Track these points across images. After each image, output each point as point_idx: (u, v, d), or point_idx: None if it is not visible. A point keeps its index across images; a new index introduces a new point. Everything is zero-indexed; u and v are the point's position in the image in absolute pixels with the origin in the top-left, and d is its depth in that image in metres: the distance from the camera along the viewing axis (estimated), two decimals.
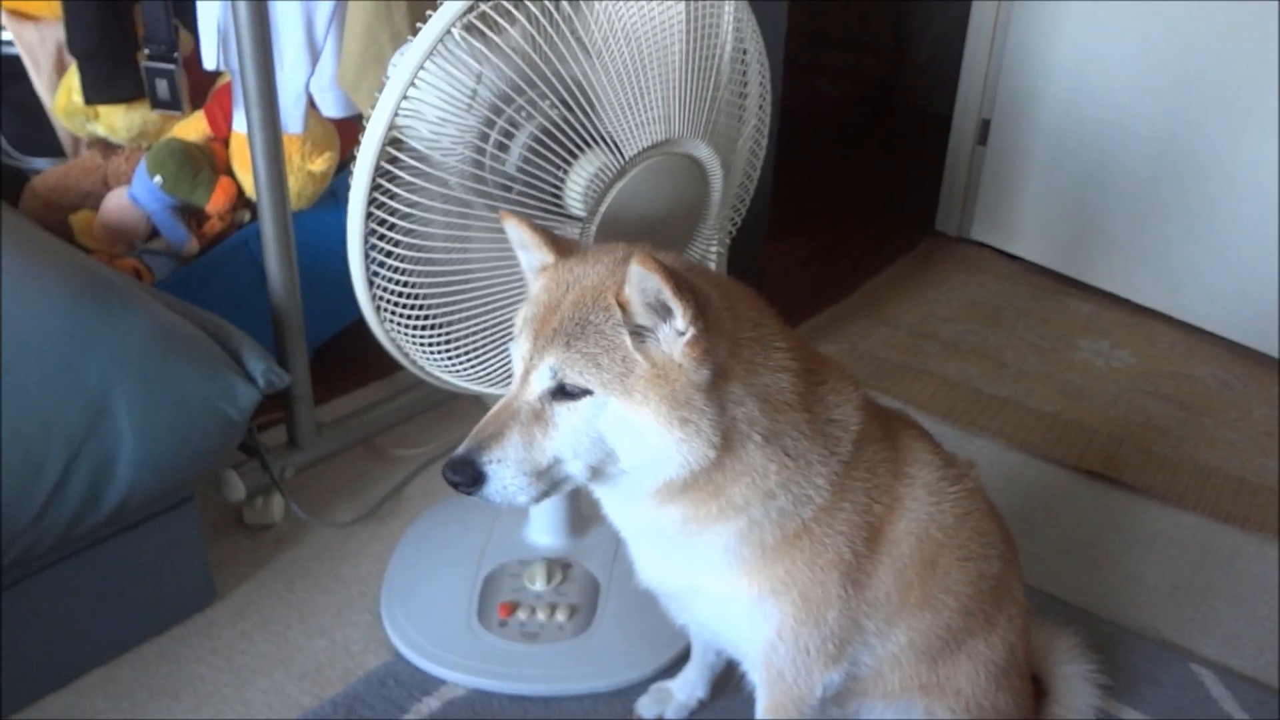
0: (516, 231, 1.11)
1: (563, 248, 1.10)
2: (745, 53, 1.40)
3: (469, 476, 1.03)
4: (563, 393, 1.02)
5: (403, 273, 1.29)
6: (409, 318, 1.33)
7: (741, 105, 1.43)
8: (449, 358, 1.39)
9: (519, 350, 1.05)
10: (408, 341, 1.37)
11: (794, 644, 1.14)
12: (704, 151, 1.34)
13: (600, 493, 1.16)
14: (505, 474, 1.03)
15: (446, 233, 1.28)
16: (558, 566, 1.66)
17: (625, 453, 1.03)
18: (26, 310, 1.42)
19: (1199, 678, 1.59)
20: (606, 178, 1.27)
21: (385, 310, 1.33)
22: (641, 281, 0.97)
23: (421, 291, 1.31)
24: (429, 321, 1.34)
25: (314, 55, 1.83)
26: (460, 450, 1.04)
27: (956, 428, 2.19)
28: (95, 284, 1.51)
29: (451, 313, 1.34)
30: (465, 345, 1.37)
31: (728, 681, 1.51)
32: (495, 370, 1.41)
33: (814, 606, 1.13)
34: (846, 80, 4.03)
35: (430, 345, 1.37)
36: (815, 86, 3.83)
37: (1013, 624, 1.28)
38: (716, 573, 1.14)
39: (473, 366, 1.40)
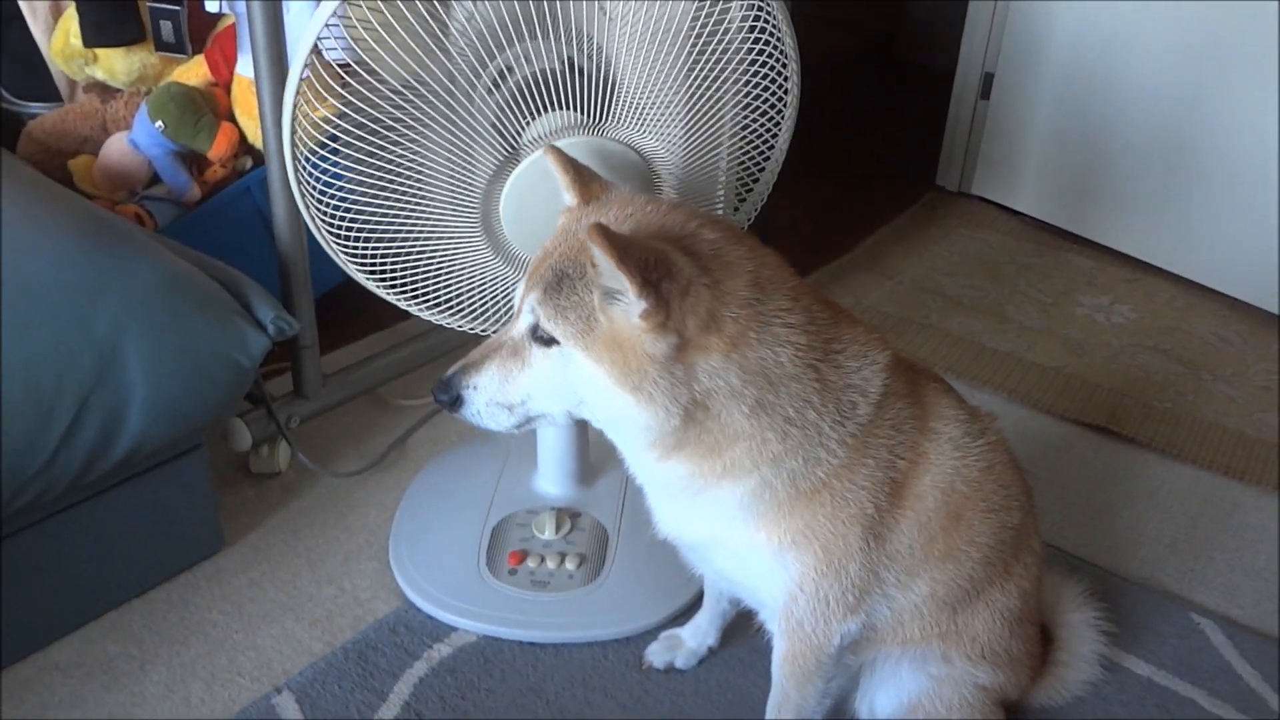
0: (554, 168, 1.14)
1: (587, 193, 1.11)
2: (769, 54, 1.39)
3: (450, 397, 1.11)
4: (539, 334, 1.06)
5: (329, 187, 1.34)
6: (337, 231, 1.38)
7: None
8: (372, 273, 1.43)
9: (520, 288, 1.10)
10: (343, 255, 1.41)
11: (814, 595, 1.15)
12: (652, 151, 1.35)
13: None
14: (479, 400, 1.10)
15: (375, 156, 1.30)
16: (566, 515, 1.66)
17: (591, 404, 1.07)
18: (34, 256, 1.41)
19: (1200, 627, 1.62)
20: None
21: (319, 221, 1.37)
22: (600, 258, 0.97)
23: (348, 208, 1.35)
24: (354, 234, 1.38)
25: None
26: (448, 371, 1.12)
27: (960, 382, 2.19)
28: (103, 230, 1.49)
29: (376, 230, 1.38)
30: (394, 264, 1.41)
31: (738, 629, 1.53)
32: (426, 289, 1.44)
33: (835, 558, 1.14)
34: (846, 34, 4.00)
35: (359, 259, 1.41)
36: (814, 40, 3.79)
37: (1028, 571, 1.29)
38: (734, 525, 1.14)
39: (397, 283, 1.43)
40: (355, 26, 1.25)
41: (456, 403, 1.11)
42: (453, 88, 1.28)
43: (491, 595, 1.57)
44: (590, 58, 1.34)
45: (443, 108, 1.28)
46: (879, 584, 1.17)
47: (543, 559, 1.61)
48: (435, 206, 1.35)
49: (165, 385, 1.43)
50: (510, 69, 1.33)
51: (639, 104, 1.34)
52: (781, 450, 1.08)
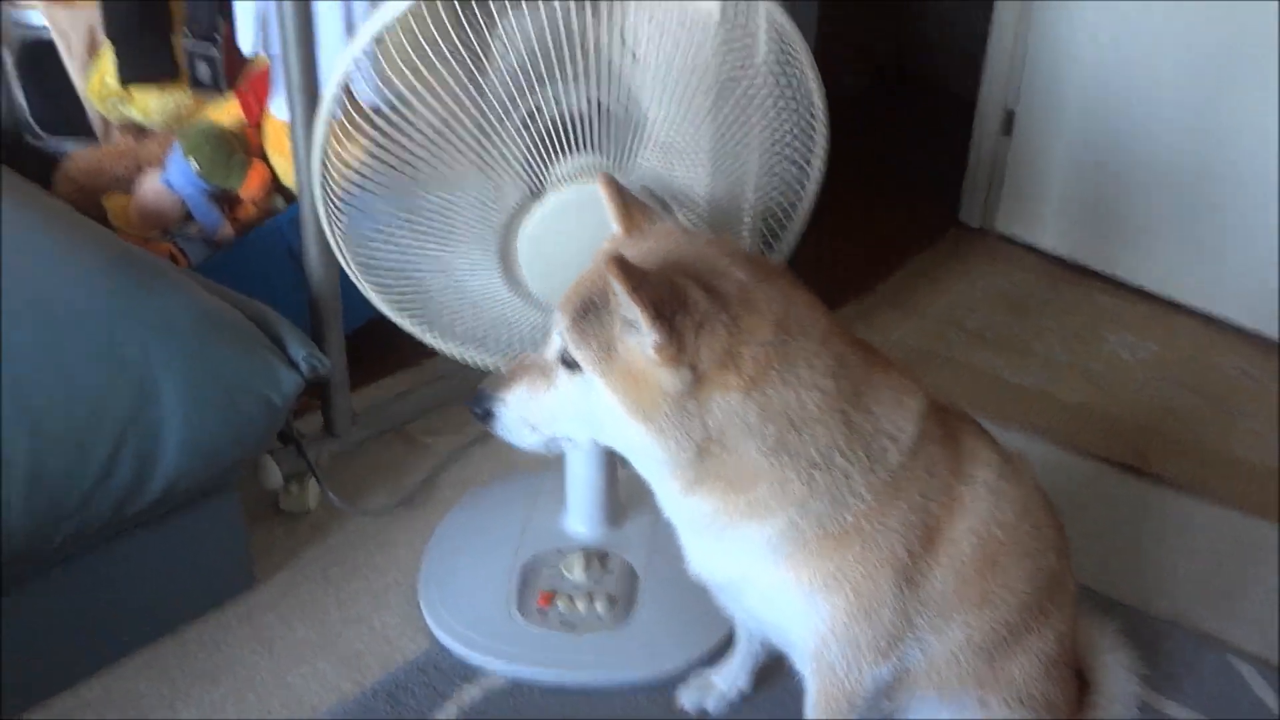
0: (603, 196, 1.16)
1: (631, 224, 1.13)
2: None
3: (482, 410, 1.14)
4: (567, 360, 1.08)
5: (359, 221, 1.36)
6: (365, 263, 1.41)
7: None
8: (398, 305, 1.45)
9: (555, 311, 1.11)
10: (370, 287, 1.44)
11: (846, 638, 1.15)
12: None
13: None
14: (507, 416, 1.14)
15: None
16: (595, 556, 1.66)
17: (609, 432, 1.09)
18: (73, 292, 1.43)
19: (1237, 670, 1.60)
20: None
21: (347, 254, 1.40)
22: (619, 289, 0.98)
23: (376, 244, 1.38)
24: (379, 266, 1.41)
25: None
26: (483, 384, 1.16)
27: (984, 417, 2.16)
28: (141, 267, 1.51)
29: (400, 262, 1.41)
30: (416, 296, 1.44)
31: (770, 672, 1.52)
32: (445, 322, 1.46)
33: (867, 602, 1.13)
34: (858, 57, 3.99)
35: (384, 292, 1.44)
36: (827, 67, 3.81)
37: (1064, 614, 1.28)
38: (763, 565, 1.14)
39: (419, 315, 1.46)
40: (386, 69, 1.27)
41: (487, 416, 1.14)
42: (485, 127, 1.30)
43: (521, 636, 1.57)
44: (619, 100, 1.36)
45: (474, 145, 1.29)
46: (912, 629, 1.17)
47: (572, 600, 1.61)
48: (456, 242, 1.37)
49: (200, 422, 1.44)
50: (540, 109, 1.34)
51: (665, 144, 1.35)
52: (806, 492, 1.08)
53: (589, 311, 1.05)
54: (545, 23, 1.23)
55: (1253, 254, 2.49)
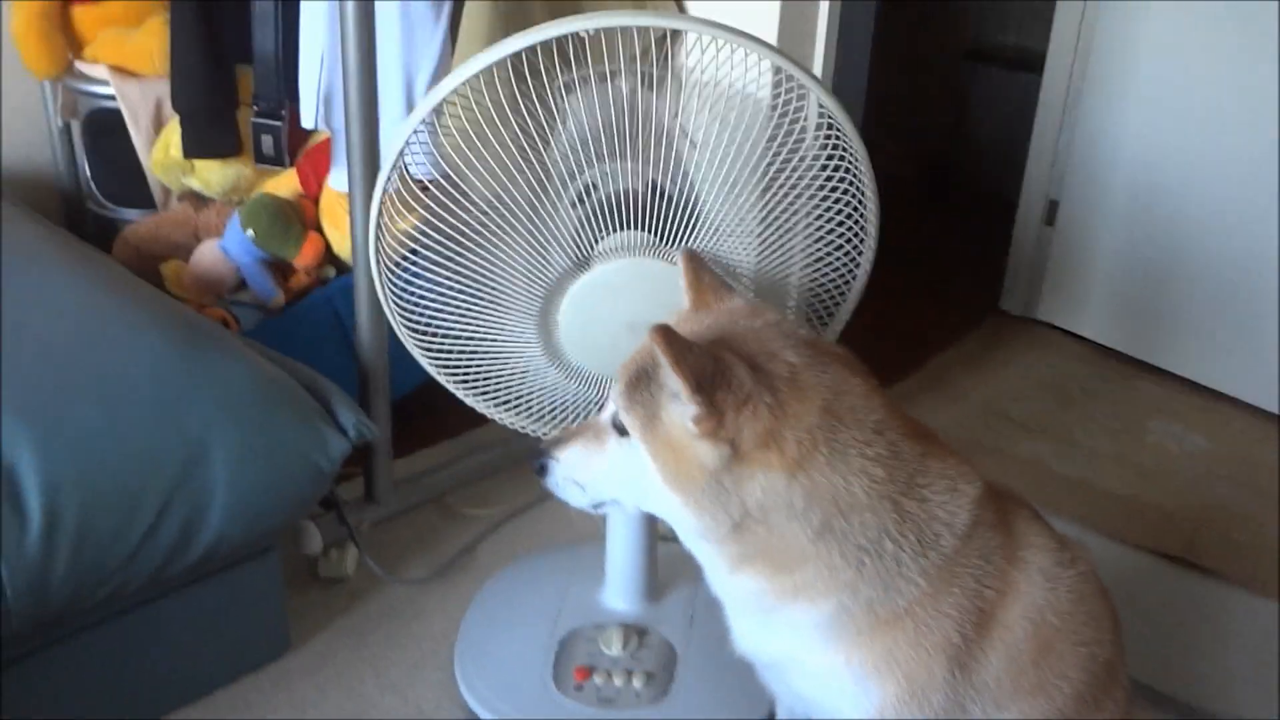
0: (682, 269, 1.19)
1: (700, 301, 1.16)
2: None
3: (538, 465, 1.17)
4: (618, 425, 1.09)
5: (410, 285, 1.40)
6: (415, 327, 1.43)
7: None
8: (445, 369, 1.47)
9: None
10: (418, 349, 1.46)
11: None
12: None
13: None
14: (559, 472, 1.16)
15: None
16: (633, 632, 1.64)
17: (650, 499, 1.09)
18: (131, 352, 1.46)
19: None
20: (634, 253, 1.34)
21: (399, 318, 1.43)
22: (663, 360, 1.00)
23: (425, 307, 1.41)
24: (428, 329, 1.43)
25: None
26: (545, 440, 1.20)
27: None
28: (198, 332, 1.54)
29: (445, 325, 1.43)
30: (461, 359, 1.46)
31: None
32: (489, 388, 1.48)
33: (918, 688, 1.11)
34: (904, 160, 4.06)
35: (432, 355, 1.46)
36: (873, 165, 3.87)
37: (1118, 708, 1.25)
38: (812, 647, 1.12)
39: (467, 380, 1.47)
40: (444, 143, 1.30)
41: (542, 470, 1.17)
42: (537, 203, 1.33)
43: (558, 711, 1.54)
44: (673, 181, 1.38)
45: (526, 220, 1.32)
46: (964, 716, 1.14)
47: (610, 675, 1.58)
48: (499, 308, 1.39)
49: (248, 486, 1.45)
50: (595, 185, 1.37)
51: (715, 225, 1.37)
52: (856, 577, 1.07)
53: (641, 380, 1.06)
54: (610, 100, 1.26)
55: None
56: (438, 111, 1.28)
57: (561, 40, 1.25)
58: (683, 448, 1.03)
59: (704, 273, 1.19)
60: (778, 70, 1.31)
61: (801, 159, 1.38)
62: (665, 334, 0.99)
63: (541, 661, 1.61)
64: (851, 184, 1.41)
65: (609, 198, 1.36)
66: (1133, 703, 1.44)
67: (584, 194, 1.37)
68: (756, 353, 1.06)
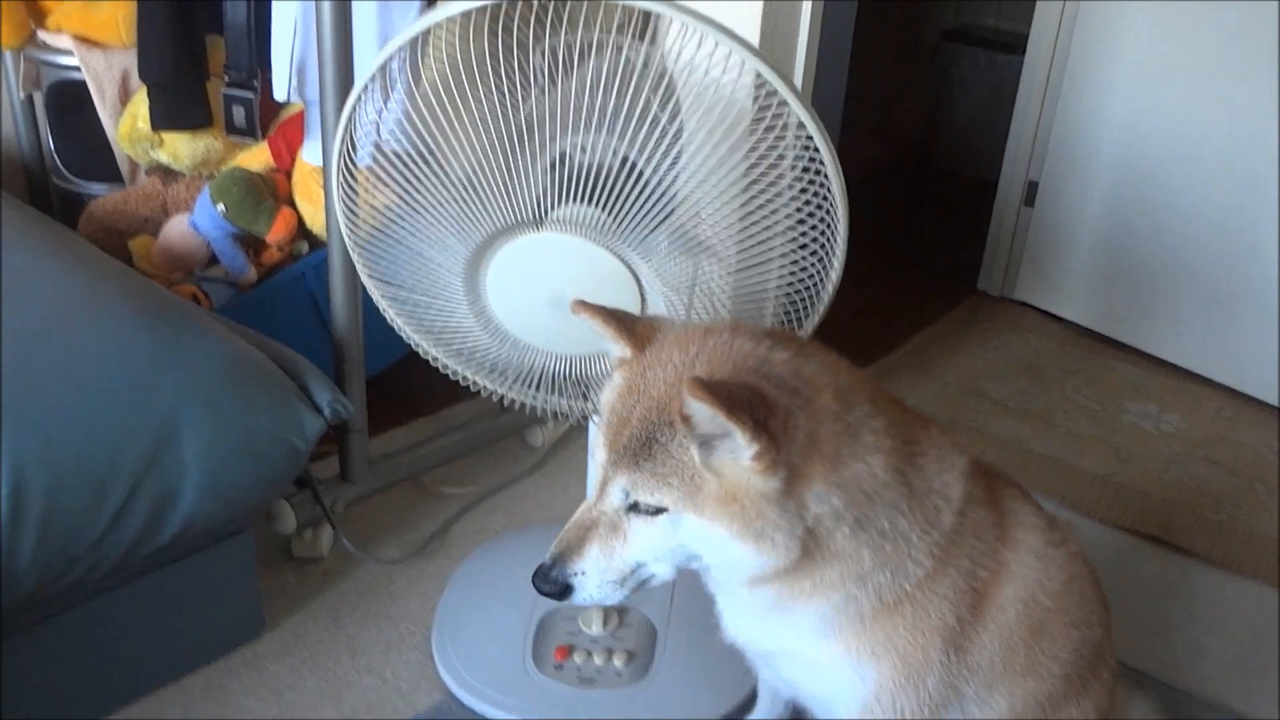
0: (593, 323, 1.08)
1: (640, 337, 1.06)
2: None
3: (557, 588, 1.05)
4: (638, 507, 1.00)
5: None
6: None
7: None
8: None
9: (597, 458, 1.04)
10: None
11: (890, 707, 1.11)
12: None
13: None
14: (590, 584, 1.04)
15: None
16: (614, 611, 1.62)
17: (705, 555, 1.02)
18: (99, 330, 1.42)
19: None
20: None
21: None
22: (698, 409, 0.93)
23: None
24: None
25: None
26: (547, 561, 1.05)
27: None
28: (167, 308, 1.50)
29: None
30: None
31: None
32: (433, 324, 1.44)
33: (914, 670, 1.10)
34: (884, 141, 4.06)
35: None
36: (852, 148, 3.86)
37: (1104, 687, 1.25)
38: (811, 639, 1.10)
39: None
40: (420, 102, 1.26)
41: (566, 592, 1.05)
42: (512, 160, 1.28)
43: (537, 690, 1.53)
44: (649, 159, 1.35)
45: (500, 178, 1.28)
46: (957, 697, 1.13)
47: (590, 655, 1.57)
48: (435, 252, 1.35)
49: (220, 467, 1.42)
50: (568, 155, 1.33)
51: (690, 234, 1.33)
52: (872, 565, 1.04)
53: (655, 450, 0.98)
54: (590, 71, 1.23)
55: (1275, 328, 2.48)
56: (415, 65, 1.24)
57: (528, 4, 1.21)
58: (743, 493, 0.96)
59: (619, 314, 1.09)
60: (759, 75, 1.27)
61: (781, 156, 1.35)
62: (708, 386, 0.91)
63: (520, 641, 1.59)
64: (820, 186, 1.37)
65: (580, 168, 1.32)
66: (1117, 682, 1.45)
67: (557, 162, 1.33)
68: (755, 366, 1.01)
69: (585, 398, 1.46)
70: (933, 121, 3.99)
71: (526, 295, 1.34)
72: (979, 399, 2.51)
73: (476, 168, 1.26)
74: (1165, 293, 2.67)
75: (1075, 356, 2.74)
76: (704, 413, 0.93)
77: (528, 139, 1.26)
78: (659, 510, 0.99)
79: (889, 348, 2.70)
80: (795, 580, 1.04)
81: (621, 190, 1.27)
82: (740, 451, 0.94)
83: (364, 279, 1.45)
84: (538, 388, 1.45)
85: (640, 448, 0.98)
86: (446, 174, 1.28)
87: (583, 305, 1.09)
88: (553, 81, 1.23)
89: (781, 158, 1.31)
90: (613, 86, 1.23)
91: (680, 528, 0.99)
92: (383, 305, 1.45)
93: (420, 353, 1.46)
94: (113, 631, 1.48)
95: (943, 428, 1.14)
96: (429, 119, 1.25)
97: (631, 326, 1.07)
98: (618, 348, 1.07)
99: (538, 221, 1.31)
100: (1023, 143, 2.88)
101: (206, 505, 1.42)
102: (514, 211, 1.29)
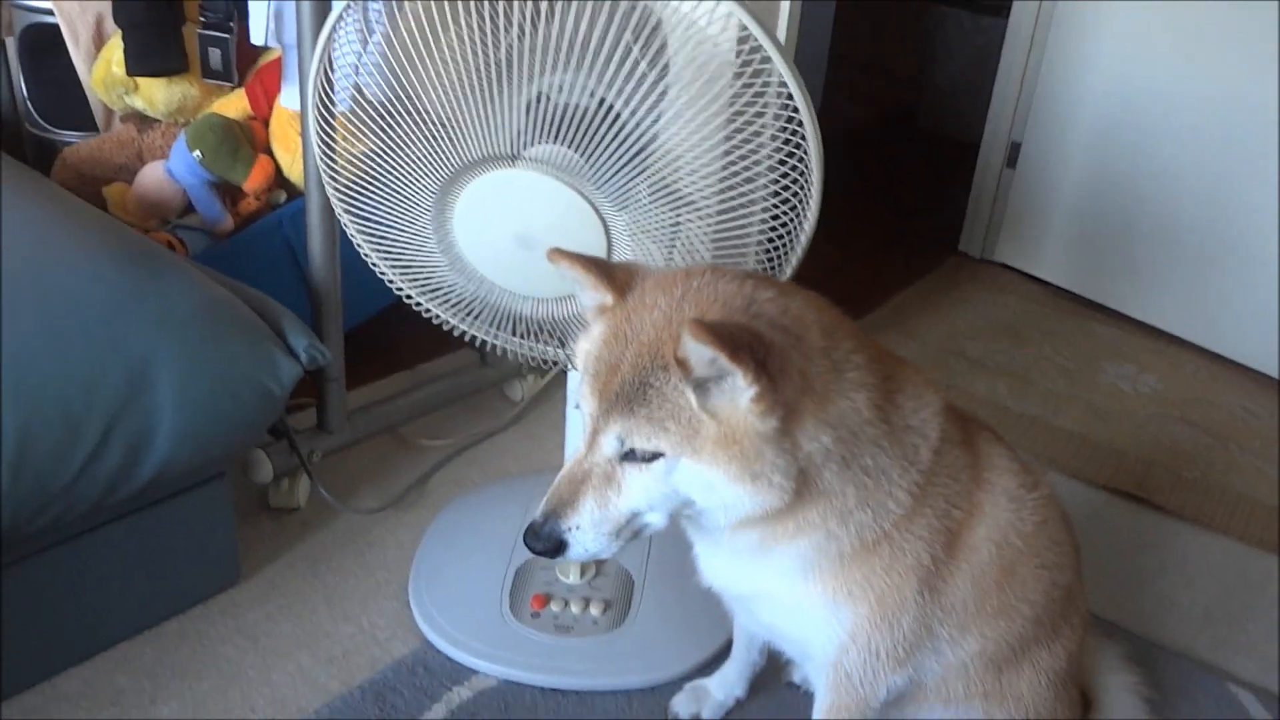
0: (571, 271, 1.06)
1: (620, 283, 1.04)
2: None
3: (551, 544, 1.02)
4: (633, 455, 0.99)
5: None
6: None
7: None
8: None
9: (585, 408, 1.02)
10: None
11: (865, 647, 1.12)
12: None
13: None
14: (585, 538, 1.02)
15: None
16: (591, 561, 1.63)
17: (700, 500, 1.01)
18: (72, 274, 1.40)
19: (1238, 699, 1.58)
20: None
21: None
22: (696, 351, 0.92)
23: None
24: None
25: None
26: (538, 517, 1.03)
27: None
28: (141, 252, 1.48)
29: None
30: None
31: (765, 681, 1.49)
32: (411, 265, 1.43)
33: (889, 610, 1.10)
34: (867, 102, 4.04)
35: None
36: (837, 109, 3.85)
37: (1074, 633, 1.26)
38: (790, 581, 1.11)
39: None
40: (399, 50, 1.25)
41: (560, 548, 1.03)
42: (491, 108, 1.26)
43: (513, 638, 1.54)
44: (628, 103, 1.33)
45: (477, 114, 1.26)
46: (930, 637, 1.14)
47: (567, 603, 1.57)
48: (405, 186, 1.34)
49: (195, 410, 1.41)
50: (546, 95, 1.31)
51: (675, 155, 1.32)
52: (856, 503, 1.05)
53: (649, 396, 0.96)
54: (573, 12, 1.21)
55: (1254, 291, 2.49)
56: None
57: None
58: (739, 434, 0.95)
59: (597, 260, 1.08)
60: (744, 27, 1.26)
61: (759, 113, 1.33)
62: (709, 328, 0.89)
63: (497, 589, 1.60)
64: (800, 140, 1.36)
65: (559, 108, 1.30)
66: (1088, 630, 1.46)
67: (536, 101, 1.31)
68: (743, 307, 1.00)
69: (563, 345, 1.45)
70: (917, 83, 3.97)
71: (491, 232, 1.33)
72: (958, 358, 2.52)
73: (454, 101, 1.25)
74: (1145, 255, 2.68)
75: (1054, 318, 2.75)
76: (701, 355, 0.92)
77: (506, 74, 1.24)
78: (655, 456, 0.97)
79: (870, 307, 2.70)
80: (779, 521, 1.04)
81: (595, 132, 1.25)
82: (739, 393, 0.93)
83: (338, 213, 1.43)
84: (513, 330, 1.44)
85: (634, 394, 0.96)
86: (423, 110, 1.26)
87: (560, 253, 1.07)
88: (534, 26, 1.22)
89: (760, 114, 1.30)
90: (595, 25, 1.21)
91: (676, 473, 0.98)
92: (357, 240, 1.44)
93: (393, 290, 1.45)
94: (89, 577, 1.48)
95: (917, 367, 1.14)
96: (406, 58, 1.24)
97: (610, 273, 1.05)
98: (597, 295, 1.05)
99: (512, 158, 1.29)
100: (1006, 104, 2.88)
101: (181, 448, 1.41)
102: (490, 146, 1.28)
